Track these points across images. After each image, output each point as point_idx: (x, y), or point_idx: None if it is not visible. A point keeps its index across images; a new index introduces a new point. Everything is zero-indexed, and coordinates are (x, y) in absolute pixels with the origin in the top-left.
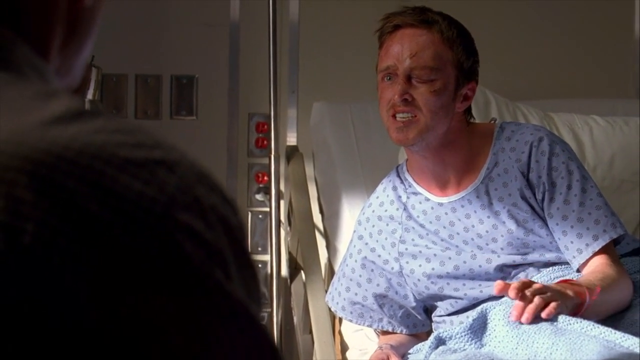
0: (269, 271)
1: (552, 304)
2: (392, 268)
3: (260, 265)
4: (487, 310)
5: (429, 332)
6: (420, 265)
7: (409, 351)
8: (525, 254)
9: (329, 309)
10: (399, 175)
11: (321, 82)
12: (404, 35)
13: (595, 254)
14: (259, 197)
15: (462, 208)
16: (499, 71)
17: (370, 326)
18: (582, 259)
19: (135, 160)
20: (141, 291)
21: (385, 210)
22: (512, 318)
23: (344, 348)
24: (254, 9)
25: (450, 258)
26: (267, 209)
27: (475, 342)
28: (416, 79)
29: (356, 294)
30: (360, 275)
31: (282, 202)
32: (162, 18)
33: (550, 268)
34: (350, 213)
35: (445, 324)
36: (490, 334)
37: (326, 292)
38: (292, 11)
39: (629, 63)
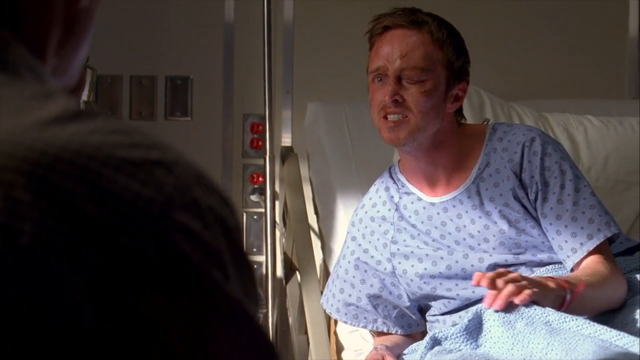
0: (264, 272)
1: (526, 291)
2: (385, 269)
3: (255, 266)
4: (482, 311)
5: (423, 333)
6: (412, 266)
7: (404, 352)
8: (518, 254)
9: (324, 310)
10: (391, 176)
11: (316, 83)
12: (394, 36)
13: (590, 253)
14: (253, 197)
15: (454, 208)
16: (493, 71)
17: (365, 327)
18: (576, 258)
19: (133, 161)
20: (139, 291)
21: (378, 211)
22: (485, 305)
23: (340, 349)
24: (249, 9)
25: (442, 258)
26: (262, 210)
27: (471, 343)
28: (406, 80)
29: (350, 295)
30: (353, 277)
31: (277, 203)
32: (157, 19)
33: (544, 268)
34: (345, 213)
35: (438, 323)
36: (485, 335)
37: (321, 292)
38: (286, 12)
39: (623, 63)
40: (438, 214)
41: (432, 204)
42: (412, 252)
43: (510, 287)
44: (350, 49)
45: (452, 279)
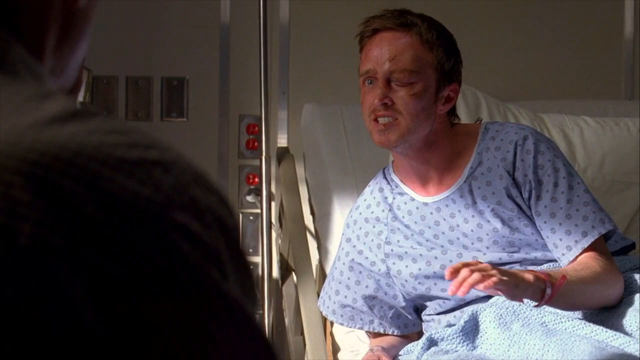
0: (260, 273)
1: (493, 278)
2: (380, 269)
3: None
4: (478, 313)
5: (419, 333)
6: (406, 266)
7: (400, 352)
8: (512, 252)
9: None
10: (385, 177)
11: (312, 84)
12: (383, 39)
13: (585, 250)
14: (249, 198)
15: (447, 207)
16: (489, 72)
17: (361, 328)
18: (571, 256)
19: (131, 161)
20: (138, 291)
21: (372, 212)
22: (449, 292)
23: (336, 349)
24: (245, 10)
25: (436, 258)
26: (258, 211)
27: (467, 344)
28: (396, 83)
29: (346, 297)
30: (348, 278)
31: (273, 204)
32: (153, 20)
33: (539, 267)
34: (341, 214)
35: (433, 323)
36: (482, 336)
37: (318, 293)
38: (282, 13)
39: (619, 64)
40: (431, 213)
41: (425, 204)
42: (406, 252)
43: (476, 276)
44: (347, 50)
45: (446, 279)
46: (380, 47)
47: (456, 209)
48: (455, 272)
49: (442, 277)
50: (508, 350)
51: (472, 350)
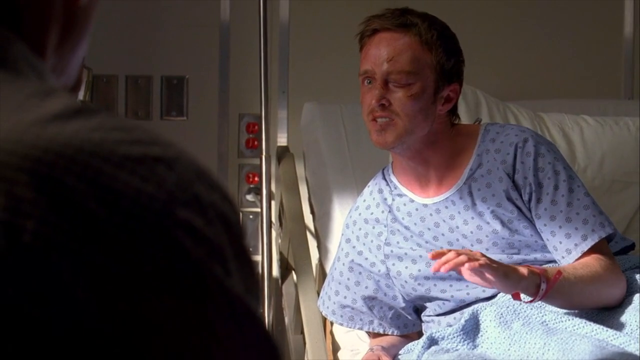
0: (260, 272)
1: (479, 261)
2: (379, 270)
3: None
4: (479, 312)
5: (419, 333)
6: (406, 267)
7: (400, 351)
8: (512, 254)
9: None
10: (384, 178)
11: (312, 83)
12: (382, 39)
13: (585, 254)
14: (249, 197)
15: (447, 209)
16: (489, 71)
17: (361, 329)
18: (571, 259)
19: (134, 157)
20: (141, 288)
21: (372, 213)
22: (431, 269)
23: (336, 348)
24: (244, 9)
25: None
26: (258, 210)
27: (468, 343)
28: (393, 83)
29: (345, 297)
30: (348, 279)
31: (273, 203)
32: (153, 19)
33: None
34: (341, 213)
35: (433, 324)
36: (482, 335)
37: (317, 292)
38: (282, 12)
39: (619, 63)
40: (431, 215)
41: (425, 206)
42: (405, 253)
43: (462, 258)
44: (347, 49)
45: (446, 280)
46: (379, 48)
47: (456, 210)
48: (440, 254)
49: (441, 279)
50: (509, 349)
51: (473, 349)
